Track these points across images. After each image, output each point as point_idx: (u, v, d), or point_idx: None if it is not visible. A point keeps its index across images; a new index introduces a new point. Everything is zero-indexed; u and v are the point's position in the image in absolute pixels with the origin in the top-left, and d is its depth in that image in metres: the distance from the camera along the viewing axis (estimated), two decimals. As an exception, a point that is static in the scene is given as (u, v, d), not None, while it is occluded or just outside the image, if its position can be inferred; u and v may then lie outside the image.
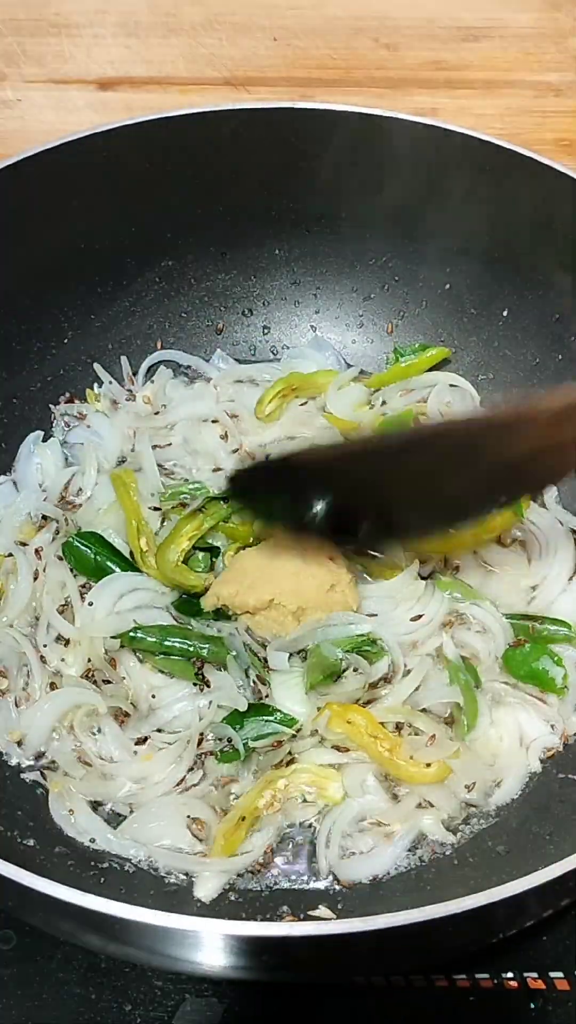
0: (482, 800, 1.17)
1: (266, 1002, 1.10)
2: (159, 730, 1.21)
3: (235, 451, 1.45)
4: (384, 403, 1.49)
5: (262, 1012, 1.10)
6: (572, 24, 1.70)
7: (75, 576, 1.31)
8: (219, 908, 1.09)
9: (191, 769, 1.18)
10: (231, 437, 1.45)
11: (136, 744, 1.20)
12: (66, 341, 1.49)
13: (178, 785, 1.17)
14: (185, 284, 1.55)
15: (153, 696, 1.24)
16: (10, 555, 1.33)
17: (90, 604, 1.26)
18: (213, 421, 1.47)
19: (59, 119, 1.74)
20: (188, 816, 1.15)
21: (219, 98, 1.71)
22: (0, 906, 1.07)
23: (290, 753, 1.19)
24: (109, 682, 1.24)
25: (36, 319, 1.45)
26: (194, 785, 1.17)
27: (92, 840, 1.12)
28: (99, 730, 1.21)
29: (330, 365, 1.55)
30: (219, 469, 1.41)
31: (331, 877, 1.13)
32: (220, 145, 1.43)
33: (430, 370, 1.50)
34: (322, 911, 1.09)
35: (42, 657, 1.25)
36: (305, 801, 1.17)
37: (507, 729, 1.21)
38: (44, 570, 1.31)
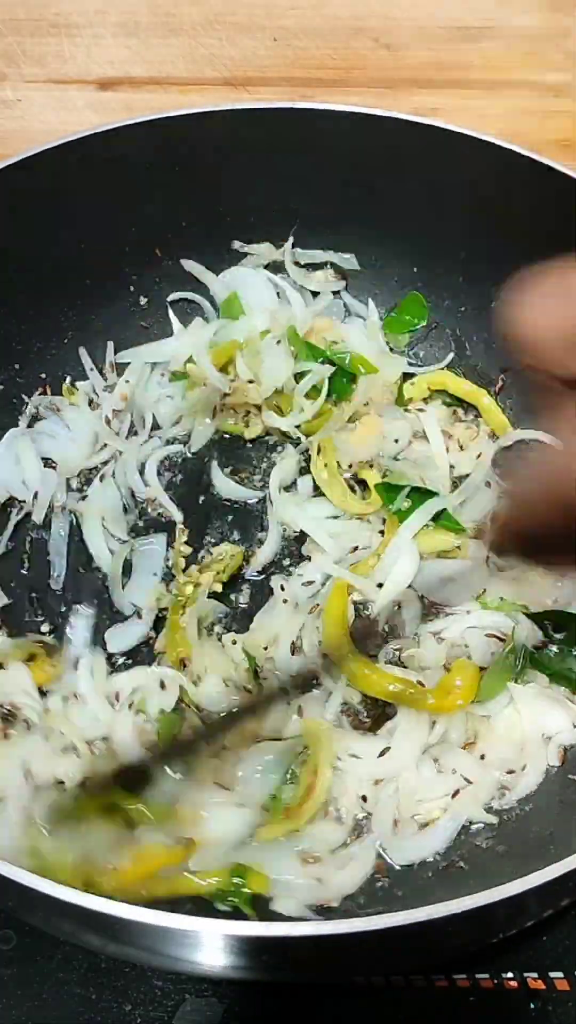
0: (514, 783, 1.16)
1: (266, 1002, 1.10)
2: None
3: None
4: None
5: (262, 1012, 1.10)
6: (572, 24, 1.71)
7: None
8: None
9: None
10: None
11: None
12: (66, 341, 1.49)
13: None
14: (185, 284, 1.54)
15: None
16: None
17: None
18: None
19: (59, 119, 1.74)
20: (299, 849, 1.12)
21: (219, 98, 1.70)
22: (0, 906, 1.07)
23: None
24: None
25: (36, 319, 1.45)
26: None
27: None
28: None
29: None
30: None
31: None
32: (220, 145, 1.42)
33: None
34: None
35: None
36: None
37: (528, 716, 1.19)
38: None
